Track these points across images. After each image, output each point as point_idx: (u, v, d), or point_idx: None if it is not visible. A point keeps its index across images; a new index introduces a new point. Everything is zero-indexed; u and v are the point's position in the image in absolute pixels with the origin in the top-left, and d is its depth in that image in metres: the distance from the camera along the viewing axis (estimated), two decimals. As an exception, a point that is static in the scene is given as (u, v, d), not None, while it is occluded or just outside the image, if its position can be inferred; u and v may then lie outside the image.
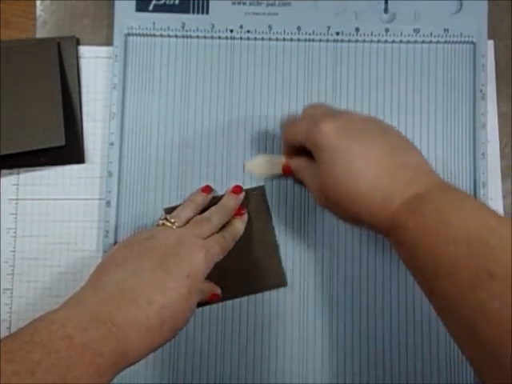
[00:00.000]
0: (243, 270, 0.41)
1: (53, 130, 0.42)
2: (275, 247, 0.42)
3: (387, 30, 0.44)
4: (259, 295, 0.41)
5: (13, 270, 0.42)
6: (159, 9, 0.44)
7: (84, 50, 0.45)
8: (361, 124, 0.33)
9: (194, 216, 0.38)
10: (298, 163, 0.38)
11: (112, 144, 0.43)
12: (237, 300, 0.41)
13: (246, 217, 0.41)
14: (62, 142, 0.42)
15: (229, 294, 0.41)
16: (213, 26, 0.44)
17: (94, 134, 0.44)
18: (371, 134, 0.32)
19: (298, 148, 0.37)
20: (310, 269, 0.42)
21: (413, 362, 0.41)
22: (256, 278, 0.41)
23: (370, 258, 0.42)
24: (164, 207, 0.42)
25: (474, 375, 0.41)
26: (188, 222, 0.38)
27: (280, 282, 0.41)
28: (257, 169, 0.43)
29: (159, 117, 0.43)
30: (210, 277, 0.35)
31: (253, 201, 0.42)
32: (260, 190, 0.42)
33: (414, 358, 0.41)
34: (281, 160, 0.41)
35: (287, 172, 0.40)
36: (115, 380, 0.28)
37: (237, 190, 0.41)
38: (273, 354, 0.41)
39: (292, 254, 0.42)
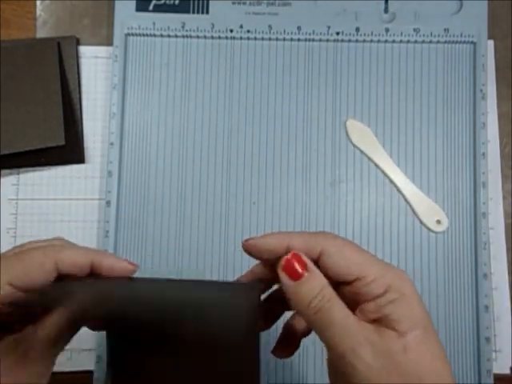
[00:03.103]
0: None
1: (53, 129, 0.42)
2: None
3: (387, 30, 0.44)
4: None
5: (13, 269, 0.42)
6: (159, 9, 0.44)
7: (84, 49, 0.45)
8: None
9: None
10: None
11: (112, 144, 0.43)
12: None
13: None
14: (62, 142, 0.42)
15: None
16: (213, 25, 0.44)
17: (93, 133, 0.44)
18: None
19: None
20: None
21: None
22: None
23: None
24: None
25: (475, 376, 0.41)
26: None
27: None
28: (361, 141, 0.39)
29: (159, 117, 0.43)
30: None
31: (236, 306, 0.24)
32: (251, 290, 0.24)
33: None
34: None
35: (294, 270, 0.24)
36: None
37: None
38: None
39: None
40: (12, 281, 0.24)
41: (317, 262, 0.24)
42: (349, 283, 0.24)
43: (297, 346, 0.28)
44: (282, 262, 0.24)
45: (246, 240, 0.25)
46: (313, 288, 0.23)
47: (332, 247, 0.24)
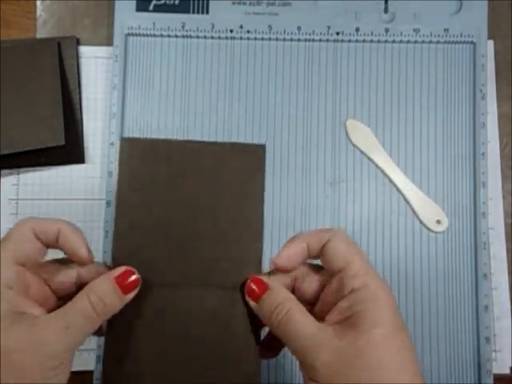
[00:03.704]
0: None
1: (53, 129, 0.42)
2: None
3: (387, 30, 0.44)
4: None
5: (13, 269, 0.42)
6: (159, 9, 0.44)
7: (84, 50, 0.45)
8: None
9: None
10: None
11: (112, 144, 0.43)
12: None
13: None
14: (62, 142, 0.42)
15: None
16: (213, 25, 0.44)
17: (93, 133, 0.44)
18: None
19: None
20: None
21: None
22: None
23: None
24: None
25: (475, 376, 0.41)
26: None
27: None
28: (361, 141, 0.40)
29: (159, 117, 0.43)
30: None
31: (241, 165, 0.29)
32: (257, 150, 0.29)
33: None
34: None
35: (253, 293, 0.27)
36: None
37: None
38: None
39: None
40: (15, 258, 0.26)
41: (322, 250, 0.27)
42: (338, 272, 0.26)
43: (279, 349, 0.30)
44: (246, 288, 0.27)
45: (273, 260, 0.28)
46: (271, 304, 0.26)
47: (335, 237, 0.27)
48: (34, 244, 0.27)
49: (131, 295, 0.26)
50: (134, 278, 0.26)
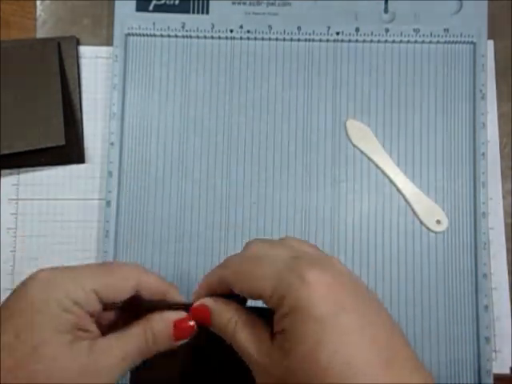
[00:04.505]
0: None
1: (53, 129, 0.42)
2: None
3: (387, 30, 0.44)
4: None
5: (13, 270, 0.42)
6: (159, 9, 0.44)
7: (84, 49, 0.45)
8: (354, 284, 0.24)
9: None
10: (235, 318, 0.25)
11: (112, 144, 0.43)
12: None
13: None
14: (62, 142, 0.42)
15: None
16: (213, 25, 0.44)
17: (93, 133, 0.44)
18: (368, 303, 0.24)
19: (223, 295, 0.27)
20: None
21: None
22: None
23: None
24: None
25: (475, 376, 0.41)
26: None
27: None
28: (361, 141, 0.40)
29: (159, 117, 0.43)
30: None
31: None
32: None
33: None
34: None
35: (201, 320, 0.26)
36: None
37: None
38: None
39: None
40: (97, 288, 0.24)
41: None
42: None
43: None
44: (193, 315, 0.26)
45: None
46: (219, 327, 0.26)
47: (230, 276, 0.25)
48: (127, 290, 0.25)
49: (180, 343, 0.26)
50: (190, 325, 0.26)
